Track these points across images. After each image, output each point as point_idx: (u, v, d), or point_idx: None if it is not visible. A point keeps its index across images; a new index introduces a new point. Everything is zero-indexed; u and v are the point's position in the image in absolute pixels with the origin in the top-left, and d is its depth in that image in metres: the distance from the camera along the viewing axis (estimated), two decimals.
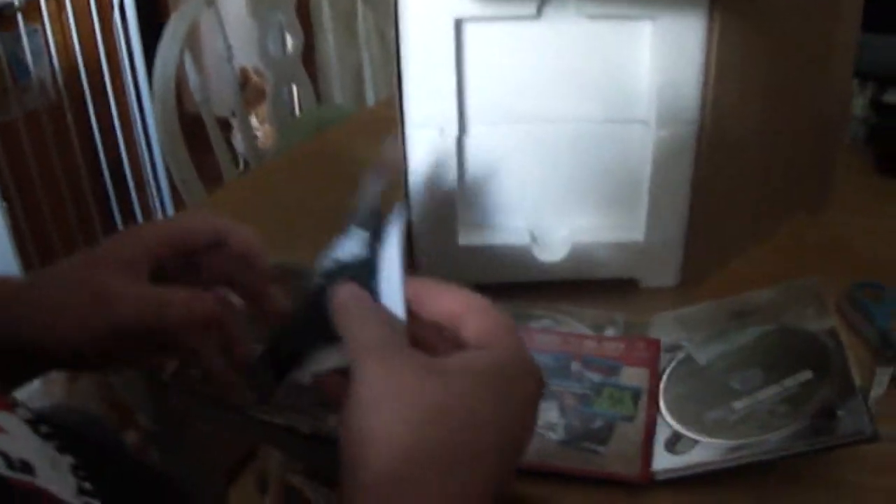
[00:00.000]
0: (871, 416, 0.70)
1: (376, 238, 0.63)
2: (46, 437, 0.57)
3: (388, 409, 0.51)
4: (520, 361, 0.56)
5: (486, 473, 0.51)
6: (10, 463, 0.46)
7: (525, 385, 0.56)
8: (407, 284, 0.59)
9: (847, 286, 0.99)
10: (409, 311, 0.58)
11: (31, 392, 1.99)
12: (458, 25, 0.89)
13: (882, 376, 0.85)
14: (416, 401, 0.51)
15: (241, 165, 2.58)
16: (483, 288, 0.95)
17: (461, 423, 0.51)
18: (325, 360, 0.63)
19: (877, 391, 0.83)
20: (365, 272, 0.62)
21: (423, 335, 0.59)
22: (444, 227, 0.98)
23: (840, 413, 0.71)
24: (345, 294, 0.59)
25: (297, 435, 0.77)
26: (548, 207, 0.99)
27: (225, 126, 1.79)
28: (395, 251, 0.60)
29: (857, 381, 0.74)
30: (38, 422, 0.63)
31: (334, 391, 0.59)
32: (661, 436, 0.77)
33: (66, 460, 0.54)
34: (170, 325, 0.65)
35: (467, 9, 0.88)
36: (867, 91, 1.39)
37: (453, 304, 0.58)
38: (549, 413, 0.80)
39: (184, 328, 0.66)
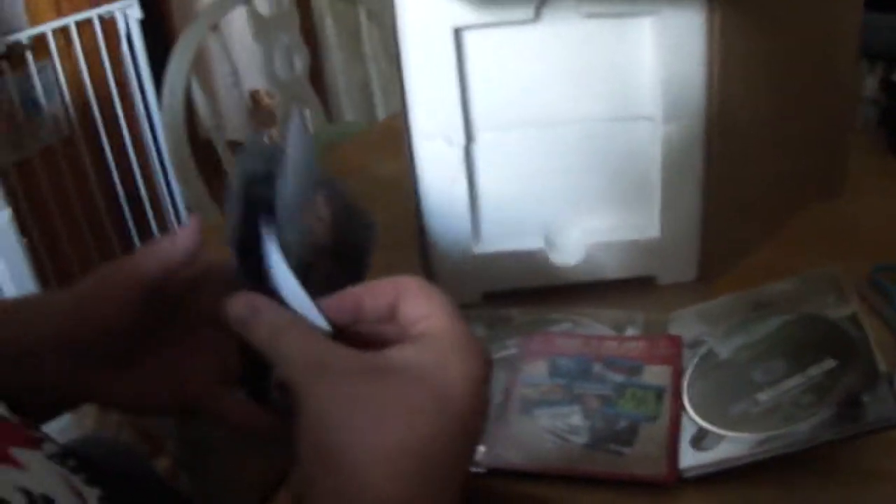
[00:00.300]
0: None
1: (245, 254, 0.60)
2: (73, 470, 0.57)
3: (365, 425, 0.50)
4: (454, 342, 0.54)
5: (449, 464, 0.52)
6: (32, 500, 0.47)
7: (463, 365, 0.54)
8: (347, 295, 0.58)
9: (868, 270, 0.98)
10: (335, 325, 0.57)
11: (63, 424, 2.00)
12: (458, 34, 0.89)
13: None
14: (383, 409, 0.51)
15: None
16: (500, 295, 0.95)
17: (425, 422, 0.51)
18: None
19: None
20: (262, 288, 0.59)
21: (383, 336, 0.57)
22: (458, 237, 0.98)
23: (866, 400, 0.70)
24: (237, 308, 0.57)
25: None
26: (561, 210, 0.98)
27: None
28: (282, 269, 0.57)
29: (882, 366, 0.73)
30: (66, 455, 0.63)
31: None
32: (687, 433, 0.76)
33: (95, 493, 0.55)
34: (156, 271, 0.63)
35: (465, 17, 0.87)
36: (877, 71, 1.38)
37: (388, 294, 0.57)
38: (572, 416, 0.80)
39: (168, 271, 0.64)
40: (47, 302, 0.69)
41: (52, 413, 0.73)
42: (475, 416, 0.54)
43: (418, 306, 0.56)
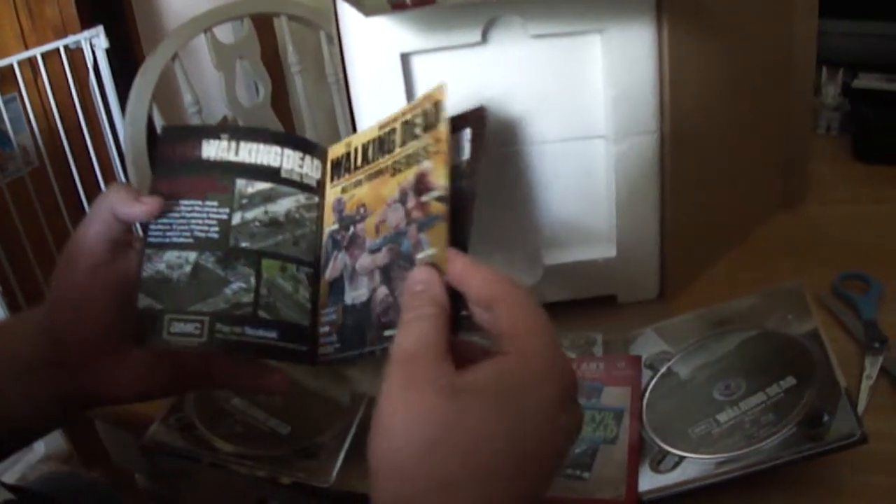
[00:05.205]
0: (859, 418, 0.68)
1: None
2: None
3: (397, 430, 0.52)
4: (536, 365, 0.55)
5: (495, 493, 0.52)
6: None
7: (540, 392, 0.54)
8: (453, 258, 0.61)
9: (832, 279, 0.98)
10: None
11: (39, 459, 1.97)
12: (405, 59, 0.88)
13: (871, 368, 0.84)
14: (424, 425, 0.52)
15: None
16: (457, 318, 0.94)
17: (466, 448, 0.51)
18: None
19: (866, 384, 0.82)
20: None
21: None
22: None
23: (827, 418, 0.69)
24: (415, 278, 0.61)
25: (280, 485, 0.78)
26: (517, 232, 0.97)
27: None
28: None
29: (843, 382, 0.72)
30: (21, 501, 0.64)
31: None
32: (647, 455, 0.75)
33: None
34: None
35: (411, 43, 0.87)
36: (837, 78, 1.38)
37: (490, 288, 0.58)
38: None
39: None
40: (14, 329, 0.75)
41: (15, 447, 0.75)
42: (542, 444, 0.54)
43: (513, 317, 0.57)
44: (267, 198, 0.75)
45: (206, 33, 1.75)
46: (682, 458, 0.73)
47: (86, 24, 2.72)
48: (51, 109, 2.69)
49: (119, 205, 0.70)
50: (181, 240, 0.72)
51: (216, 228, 0.72)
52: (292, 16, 1.92)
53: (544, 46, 0.88)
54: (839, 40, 1.36)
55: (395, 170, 0.71)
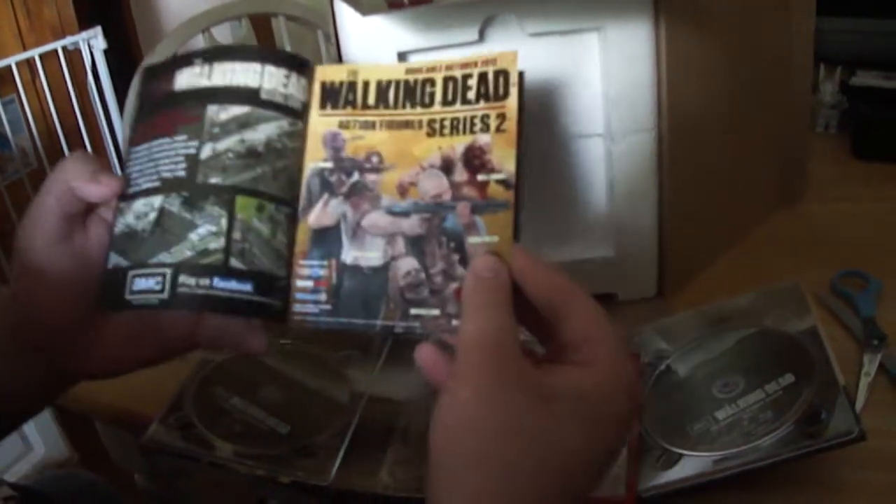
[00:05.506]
0: (858, 415, 0.68)
1: None
2: None
3: (481, 425, 0.51)
4: (614, 378, 0.55)
5: (560, 495, 0.52)
6: None
7: (615, 405, 0.54)
8: (519, 253, 0.58)
9: (831, 276, 0.98)
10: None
11: (40, 458, 1.97)
12: (402, 58, 0.88)
13: (870, 366, 0.84)
14: (515, 424, 0.51)
15: None
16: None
17: (547, 450, 0.51)
18: None
19: (865, 381, 0.82)
20: None
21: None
22: None
23: (825, 415, 0.69)
24: (484, 265, 0.58)
25: (279, 484, 0.78)
26: None
27: None
28: None
29: (841, 379, 0.72)
30: (23, 499, 0.64)
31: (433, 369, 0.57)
32: (646, 453, 0.75)
33: None
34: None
35: (409, 42, 0.86)
36: (835, 76, 1.38)
37: (555, 290, 0.57)
38: None
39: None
40: None
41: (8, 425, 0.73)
42: (607, 454, 0.55)
43: (587, 327, 0.56)
44: (243, 124, 0.65)
45: (204, 33, 1.75)
46: (680, 456, 0.73)
47: (84, 24, 2.72)
48: (49, 111, 2.69)
49: (76, 181, 0.64)
50: (148, 185, 0.64)
51: (183, 165, 0.64)
52: (290, 16, 1.92)
53: (542, 45, 0.88)
54: (837, 38, 1.36)
55: (434, 130, 0.64)
